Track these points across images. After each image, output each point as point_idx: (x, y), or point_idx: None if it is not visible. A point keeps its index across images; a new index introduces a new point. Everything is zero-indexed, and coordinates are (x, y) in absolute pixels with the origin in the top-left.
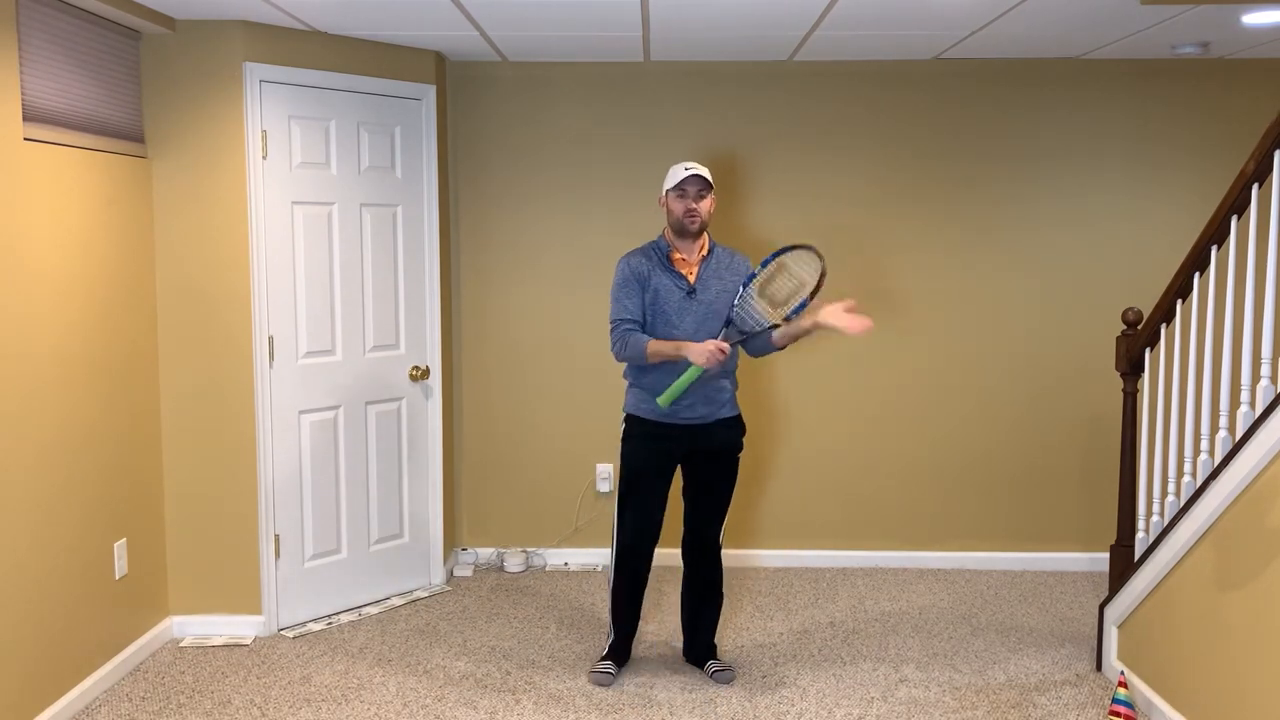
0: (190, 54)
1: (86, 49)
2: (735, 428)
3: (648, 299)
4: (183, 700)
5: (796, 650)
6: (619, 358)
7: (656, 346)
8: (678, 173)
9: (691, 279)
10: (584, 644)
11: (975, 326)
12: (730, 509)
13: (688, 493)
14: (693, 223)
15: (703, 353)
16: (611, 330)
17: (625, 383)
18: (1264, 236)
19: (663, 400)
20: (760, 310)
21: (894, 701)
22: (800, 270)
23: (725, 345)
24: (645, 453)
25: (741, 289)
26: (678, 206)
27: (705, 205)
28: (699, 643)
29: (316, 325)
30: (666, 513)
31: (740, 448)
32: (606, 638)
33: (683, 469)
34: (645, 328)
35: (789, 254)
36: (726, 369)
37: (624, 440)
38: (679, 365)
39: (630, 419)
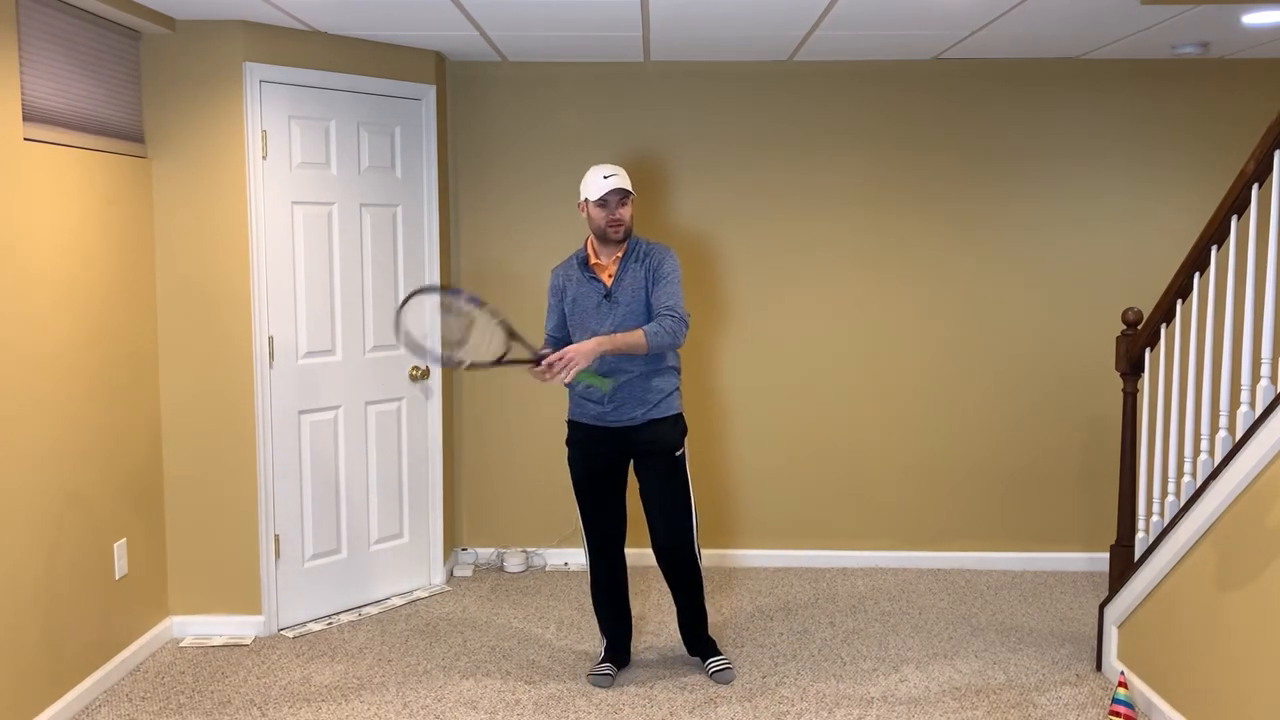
0: (190, 54)
1: (86, 49)
2: (671, 426)
3: (567, 308)
4: (183, 700)
5: (796, 650)
6: None
7: None
8: (598, 184)
9: (609, 282)
10: (584, 644)
11: (975, 326)
12: (729, 510)
13: (642, 498)
14: (616, 232)
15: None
16: None
17: None
18: (1264, 236)
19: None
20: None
21: (894, 701)
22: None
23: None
24: (583, 455)
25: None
26: (600, 216)
27: (627, 212)
28: (696, 639)
29: (316, 325)
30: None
31: (677, 446)
32: (600, 640)
33: (634, 474)
34: (570, 339)
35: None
36: (657, 368)
37: (566, 445)
38: (608, 368)
39: (569, 424)
